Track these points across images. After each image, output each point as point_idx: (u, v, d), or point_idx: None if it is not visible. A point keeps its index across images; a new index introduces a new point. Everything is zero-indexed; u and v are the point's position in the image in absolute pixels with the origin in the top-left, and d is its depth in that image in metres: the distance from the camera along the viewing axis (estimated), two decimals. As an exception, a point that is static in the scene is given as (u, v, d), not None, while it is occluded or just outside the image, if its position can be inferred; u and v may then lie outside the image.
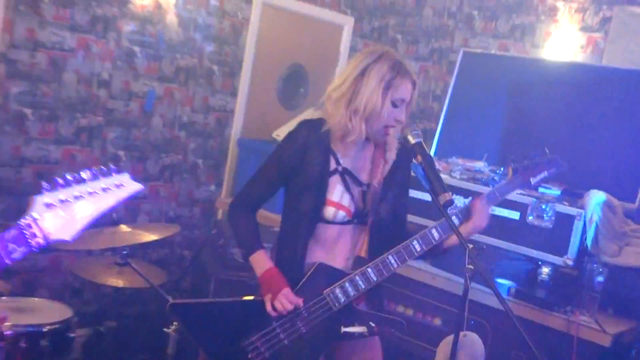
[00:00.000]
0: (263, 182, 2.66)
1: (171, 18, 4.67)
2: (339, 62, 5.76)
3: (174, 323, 3.15)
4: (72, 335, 3.24)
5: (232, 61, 5.09)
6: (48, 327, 3.05)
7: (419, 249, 2.48)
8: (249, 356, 2.51)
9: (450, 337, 2.50)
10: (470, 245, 2.34)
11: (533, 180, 2.72)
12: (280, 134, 4.98)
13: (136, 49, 4.57)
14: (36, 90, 4.18)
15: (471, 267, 2.33)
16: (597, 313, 3.48)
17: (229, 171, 5.23)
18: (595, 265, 3.53)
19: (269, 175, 2.64)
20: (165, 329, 3.16)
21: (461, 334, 2.38)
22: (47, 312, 3.26)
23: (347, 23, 5.73)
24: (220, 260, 4.22)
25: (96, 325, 3.94)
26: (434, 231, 2.48)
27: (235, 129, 5.21)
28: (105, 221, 3.55)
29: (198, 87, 4.94)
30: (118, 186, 1.53)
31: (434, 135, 4.74)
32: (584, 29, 4.78)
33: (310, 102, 5.52)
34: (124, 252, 3.33)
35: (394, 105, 2.46)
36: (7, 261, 1.35)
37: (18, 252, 1.36)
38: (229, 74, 5.09)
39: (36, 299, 3.52)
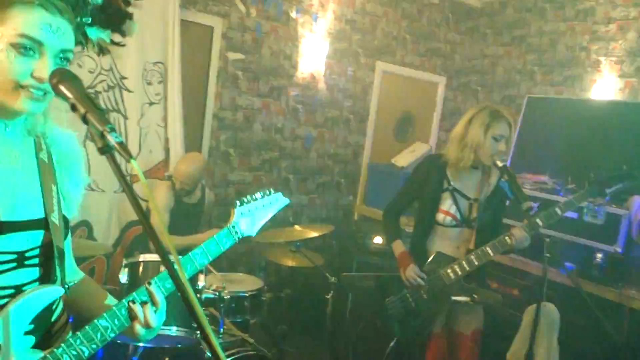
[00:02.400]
0: (403, 197, 2.71)
1: (321, 85, 4.73)
2: (436, 109, 5.62)
3: (331, 291, 3.15)
4: (263, 298, 3.28)
5: (362, 112, 5.08)
6: (249, 292, 3.08)
7: (509, 243, 2.37)
8: (389, 311, 2.55)
9: (533, 306, 2.36)
10: (547, 239, 2.20)
11: (608, 190, 2.43)
12: (397, 159, 4.92)
13: (299, 106, 4.65)
14: (236, 136, 4.36)
15: (548, 255, 2.18)
16: (643, 288, 3.17)
17: (362, 186, 5.20)
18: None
19: (407, 192, 2.70)
20: (325, 295, 3.16)
21: (542, 303, 2.23)
22: (247, 283, 3.30)
23: (441, 81, 5.58)
24: (359, 248, 4.20)
25: (277, 292, 4.01)
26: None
27: (366, 157, 5.18)
28: (285, 223, 3.65)
29: (340, 130, 4.96)
30: (276, 200, 1.61)
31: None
32: (622, 75, 4.40)
33: (417, 138, 5.41)
34: (297, 243, 3.37)
35: (495, 139, 2.39)
36: (222, 249, 1.43)
37: (228, 244, 1.45)
38: (360, 120, 5.09)
39: (239, 273, 3.59)
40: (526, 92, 5.01)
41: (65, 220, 1.21)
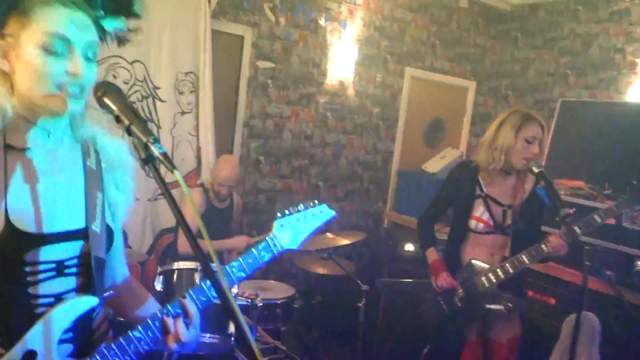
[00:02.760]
0: (436, 204, 2.69)
1: (350, 91, 4.73)
2: (466, 114, 5.56)
3: (363, 299, 3.13)
4: (295, 306, 3.26)
5: (391, 118, 5.05)
6: (281, 300, 3.09)
7: (546, 250, 2.31)
8: (423, 318, 2.56)
9: (573, 316, 2.30)
10: (587, 247, 2.14)
11: None
12: (427, 166, 4.88)
13: (328, 113, 4.66)
14: (266, 144, 4.39)
15: (588, 263, 2.12)
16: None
17: (391, 193, 5.17)
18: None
19: (440, 200, 2.67)
20: (357, 303, 3.14)
21: (582, 312, 2.17)
22: (279, 290, 3.30)
23: (471, 86, 5.52)
24: (390, 255, 4.17)
25: (309, 299, 4.00)
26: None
27: (395, 163, 5.15)
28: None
29: (369, 137, 4.95)
30: (321, 212, 1.54)
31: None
32: (660, 77, 4.28)
33: (447, 144, 5.36)
34: (329, 251, 3.34)
35: (527, 142, 2.36)
36: (261, 262, 1.38)
37: (267, 257, 1.40)
38: (389, 126, 5.06)
39: (271, 281, 3.59)
40: (559, 95, 4.91)
41: (108, 229, 1.23)
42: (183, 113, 3.82)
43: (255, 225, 4.40)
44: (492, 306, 2.41)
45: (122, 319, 1.63)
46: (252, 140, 4.30)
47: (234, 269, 1.33)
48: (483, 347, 2.54)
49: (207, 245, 0.90)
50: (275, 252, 1.41)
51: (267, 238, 1.41)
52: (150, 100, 3.68)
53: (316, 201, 1.55)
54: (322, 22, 4.46)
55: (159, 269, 2.52)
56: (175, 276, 2.49)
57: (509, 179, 2.51)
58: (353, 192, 4.96)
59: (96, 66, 1.12)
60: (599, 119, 4.30)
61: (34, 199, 1.09)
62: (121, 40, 1.24)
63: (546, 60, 5.12)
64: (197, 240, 0.99)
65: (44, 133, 1.13)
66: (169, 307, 1.23)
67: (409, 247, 4.05)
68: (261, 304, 2.71)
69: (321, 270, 3.59)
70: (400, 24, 4.92)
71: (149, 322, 1.21)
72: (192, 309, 1.24)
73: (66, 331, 1.12)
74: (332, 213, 1.57)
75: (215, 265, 0.96)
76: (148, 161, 0.97)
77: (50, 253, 1.10)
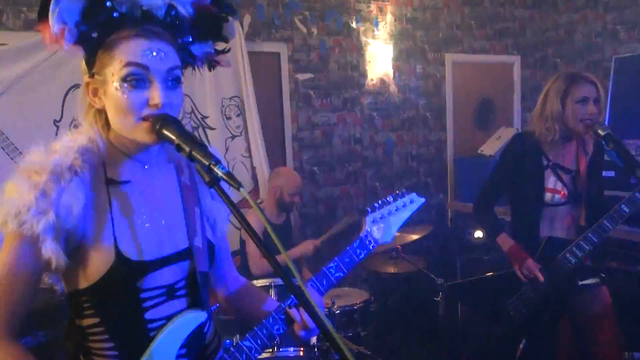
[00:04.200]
0: (495, 185, 2.52)
1: (393, 87, 4.68)
2: (515, 90, 5.37)
3: (440, 293, 3.06)
4: (372, 309, 3.23)
5: (438, 107, 4.96)
6: (357, 305, 3.05)
7: (628, 211, 2.16)
8: (511, 313, 2.35)
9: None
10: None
11: None
12: (484, 149, 4.73)
13: (374, 113, 4.62)
14: (317, 154, 4.40)
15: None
16: None
17: (450, 182, 5.06)
18: None
19: (500, 178, 2.50)
20: (434, 298, 3.07)
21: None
22: (354, 296, 3.25)
23: (516, 61, 5.34)
24: (460, 245, 4.07)
25: (385, 301, 3.95)
26: (638, 194, 2.15)
27: (449, 152, 5.04)
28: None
29: (419, 130, 4.87)
30: (411, 202, 1.53)
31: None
32: None
33: (500, 123, 5.18)
34: (396, 249, 3.30)
35: (581, 102, 2.23)
36: (357, 260, 1.40)
37: (362, 254, 1.41)
38: (438, 116, 4.96)
39: (344, 287, 3.56)
40: (612, 54, 4.66)
41: (209, 243, 1.23)
42: (233, 137, 3.89)
43: (318, 236, 4.39)
44: (587, 282, 2.27)
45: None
46: (304, 152, 4.32)
47: (331, 270, 1.35)
48: (584, 325, 2.39)
49: (286, 259, 0.90)
50: (371, 247, 1.43)
51: (361, 235, 1.42)
52: (200, 130, 3.77)
53: (404, 190, 1.55)
54: (353, 24, 4.44)
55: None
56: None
57: (570, 143, 2.36)
58: (411, 188, 4.82)
59: (181, 92, 1.11)
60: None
61: (139, 228, 1.12)
62: (212, 65, 1.25)
63: (592, 20, 4.88)
64: (274, 257, 0.99)
65: (140, 165, 1.16)
66: (292, 298, 1.28)
67: (478, 234, 3.93)
68: (338, 311, 2.70)
69: (392, 270, 3.54)
70: (433, 12, 4.83)
71: (257, 330, 1.25)
72: (314, 297, 1.29)
73: (180, 347, 1.14)
74: (421, 200, 1.56)
75: (296, 279, 0.95)
76: (214, 184, 0.97)
77: (160, 278, 1.13)
